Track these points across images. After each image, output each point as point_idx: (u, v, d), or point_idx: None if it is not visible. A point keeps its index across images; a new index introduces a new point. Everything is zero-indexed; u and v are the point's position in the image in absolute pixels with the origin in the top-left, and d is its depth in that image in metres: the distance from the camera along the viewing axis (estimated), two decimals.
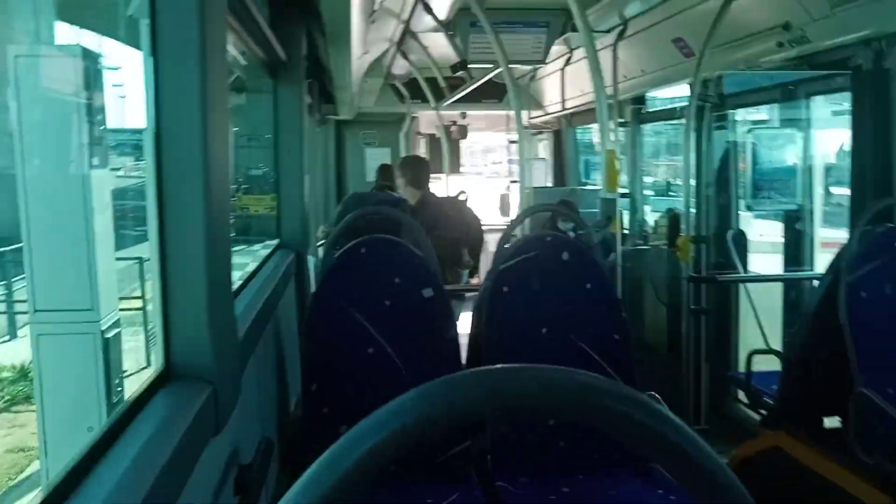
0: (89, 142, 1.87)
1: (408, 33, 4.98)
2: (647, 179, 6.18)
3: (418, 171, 4.48)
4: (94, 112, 1.85)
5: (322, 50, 4.03)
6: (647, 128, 5.95)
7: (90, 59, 1.84)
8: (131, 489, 0.86)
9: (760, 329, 3.80)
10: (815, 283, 3.17)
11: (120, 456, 0.94)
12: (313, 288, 3.03)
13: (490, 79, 5.39)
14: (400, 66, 6.28)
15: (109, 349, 1.92)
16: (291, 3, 3.08)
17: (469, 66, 4.69)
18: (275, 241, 3.19)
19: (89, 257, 1.89)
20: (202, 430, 1.15)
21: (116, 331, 1.98)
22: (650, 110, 5.58)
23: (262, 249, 2.67)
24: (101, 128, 1.87)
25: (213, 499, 1.30)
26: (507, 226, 3.02)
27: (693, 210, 3.93)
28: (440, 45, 5.00)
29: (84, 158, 1.89)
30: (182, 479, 1.03)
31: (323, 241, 3.62)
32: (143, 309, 2.74)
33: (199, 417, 1.11)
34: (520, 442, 2.32)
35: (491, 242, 4.62)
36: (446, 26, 4.44)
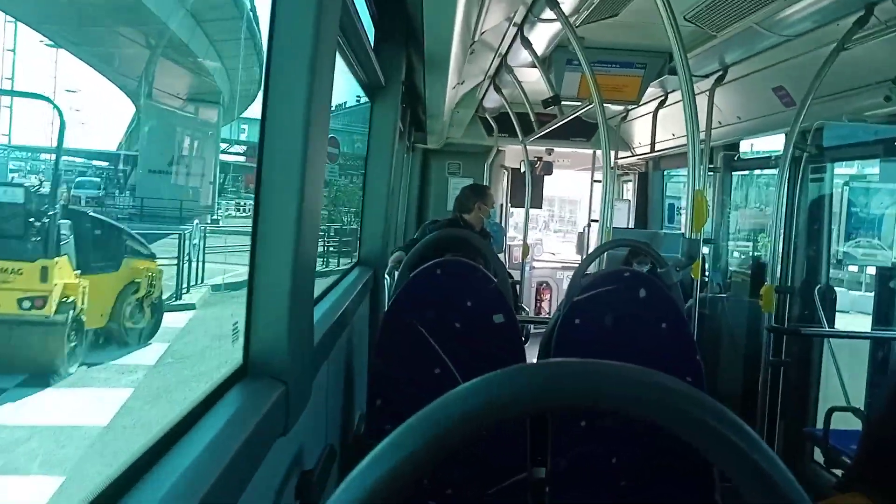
0: None
1: (504, 67, 5.04)
2: (738, 227, 6.02)
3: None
4: None
5: (419, 77, 4.11)
6: (740, 177, 5.81)
7: None
8: (198, 477, 0.89)
9: (842, 386, 3.64)
10: None
11: (191, 444, 0.97)
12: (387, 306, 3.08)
13: (580, 117, 5.39)
14: (492, 100, 6.35)
15: None
16: (395, 28, 3.14)
17: (562, 102, 4.70)
18: None
19: None
20: (271, 428, 1.18)
21: None
22: (744, 158, 5.46)
23: None
24: None
25: (275, 499, 1.31)
26: (582, 260, 3.01)
27: (780, 260, 3.82)
28: (533, 80, 5.03)
29: None
30: (247, 475, 1.04)
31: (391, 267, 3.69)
32: None
33: (269, 415, 1.14)
34: (579, 474, 2.29)
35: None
36: (542, 62, 4.48)
